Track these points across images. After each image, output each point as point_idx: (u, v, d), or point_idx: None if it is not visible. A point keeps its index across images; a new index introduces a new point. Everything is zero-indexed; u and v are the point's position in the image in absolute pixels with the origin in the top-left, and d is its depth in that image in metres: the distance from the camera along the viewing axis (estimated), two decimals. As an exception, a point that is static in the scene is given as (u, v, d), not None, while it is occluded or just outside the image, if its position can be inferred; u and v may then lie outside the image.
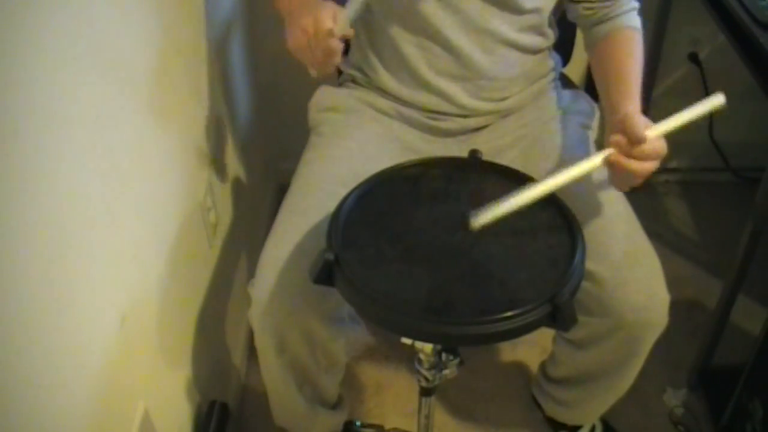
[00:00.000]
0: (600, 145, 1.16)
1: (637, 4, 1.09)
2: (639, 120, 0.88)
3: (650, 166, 0.88)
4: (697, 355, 1.47)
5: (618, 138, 0.88)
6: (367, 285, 0.80)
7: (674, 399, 1.48)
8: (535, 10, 1.09)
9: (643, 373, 1.15)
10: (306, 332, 1.05)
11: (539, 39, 1.14)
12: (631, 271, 1.01)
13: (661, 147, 0.88)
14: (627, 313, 1.02)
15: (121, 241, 0.88)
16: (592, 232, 1.01)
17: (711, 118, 1.87)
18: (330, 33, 0.93)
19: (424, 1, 1.05)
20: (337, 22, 0.94)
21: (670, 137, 0.89)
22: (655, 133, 0.88)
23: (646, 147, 0.87)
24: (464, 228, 0.86)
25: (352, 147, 1.13)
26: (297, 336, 1.05)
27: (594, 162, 0.89)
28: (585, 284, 1.02)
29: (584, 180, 1.07)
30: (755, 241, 1.24)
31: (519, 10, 1.07)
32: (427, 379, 1.00)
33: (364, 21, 1.16)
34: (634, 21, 1.08)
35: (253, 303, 1.02)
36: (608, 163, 0.89)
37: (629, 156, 0.87)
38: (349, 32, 0.96)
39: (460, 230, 0.88)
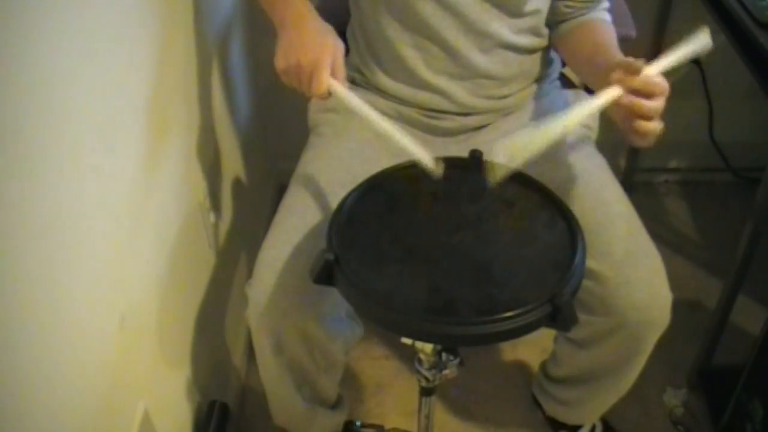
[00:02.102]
0: (600, 145, 1.17)
1: (608, 4, 1.12)
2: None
3: (659, 104, 0.86)
4: (697, 355, 1.47)
5: (618, 73, 0.86)
6: (368, 285, 0.80)
7: (674, 399, 1.48)
8: (534, 12, 1.09)
9: (643, 373, 1.15)
10: (303, 332, 1.05)
11: (537, 40, 1.14)
12: (633, 270, 1.01)
13: (665, 82, 0.86)
14: (629, 312, 1.02)
15: (121, 241, 0.87)
16: (594, 230, 1.01)
17: (711, 118, 1.87)
18: (326, 92, 0.92)
19: (422, 2, 1.05)
20: (336, 73, 0.93)
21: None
22: (658, 67, 0.87)
23: (652, 78, 0.85)
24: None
25: (351, 147, 1.13)
26: (294, 336, 1.05)
27: (601, 100, 0.87)
28: (587, 283, 1.02)
29: (585, 179, 1.07)
30: (755, 241, 1.24)
31: (518, 13, 1.07)
32: (427, 379, 1.00)
33: (361, 23, 1.16)
34: (606, 16, 1.11)
35: (250, 303, 1.02)
36: (623, 111, 0.86)
37: (636, 93, 0.85)
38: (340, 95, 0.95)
39: (461, 230, 0.88)
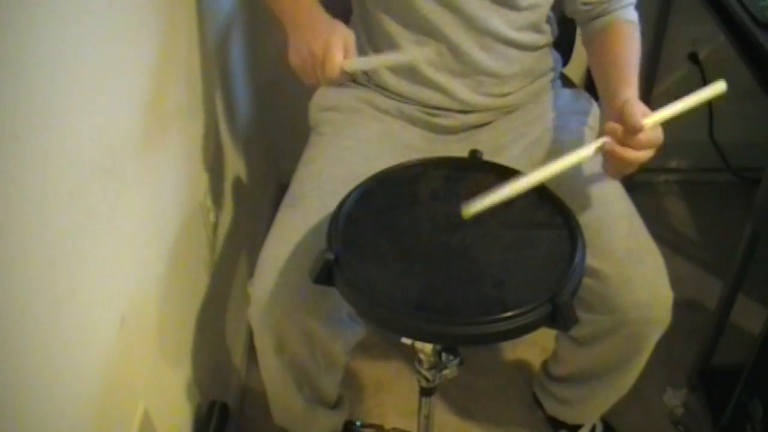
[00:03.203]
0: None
1: (633, 0, 1.10)
2: (638, 108, 0.88)
3: (645, 155, 0.88)
4: (697, 355, 1.47)
5: (614, 126, 0.88)
6: (367, 285, 0.80)
7: (674, 399, 1.48)
8: (533, 7, 1.09)
9: (643, 373, 1.15)
10: (305, 332, 1.05)
11: (537, 36, 1.14)
12: (634, 269, 1.01)
13: (657, 136, 0.88)
14: (630, 311, 1.02)
15: (121, 241, 0.87)
16: (595, 229, 1.01)
17: (711, 118, 1.87)
18: (339, 72, 0.92)
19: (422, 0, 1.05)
20: (348, 55, 0.93)
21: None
22: (653, 121, 0.88)
23: (643, 137, 0.86)
24: (457, 217, 0.84)
25: (352, 146, 1.13)
26: (296, 336, 1.05)
27: (588, 151, 0.89)
28: (588, 281, 1.02)
29: (587, 178, 1.08)
30: (755, 241, 1.24)
31: (516, 7, 1.07)
32: (427, 379, 1.00)
33: (363, 19, 1.16)
34: (632, 15, 1.09)
35: (252, 302, 1.02)
36: (603, 151, 0.89)
37: (624, 145, 0.87)
38: (356, 72, 0.94)
39: (460, 230, 0.88)
